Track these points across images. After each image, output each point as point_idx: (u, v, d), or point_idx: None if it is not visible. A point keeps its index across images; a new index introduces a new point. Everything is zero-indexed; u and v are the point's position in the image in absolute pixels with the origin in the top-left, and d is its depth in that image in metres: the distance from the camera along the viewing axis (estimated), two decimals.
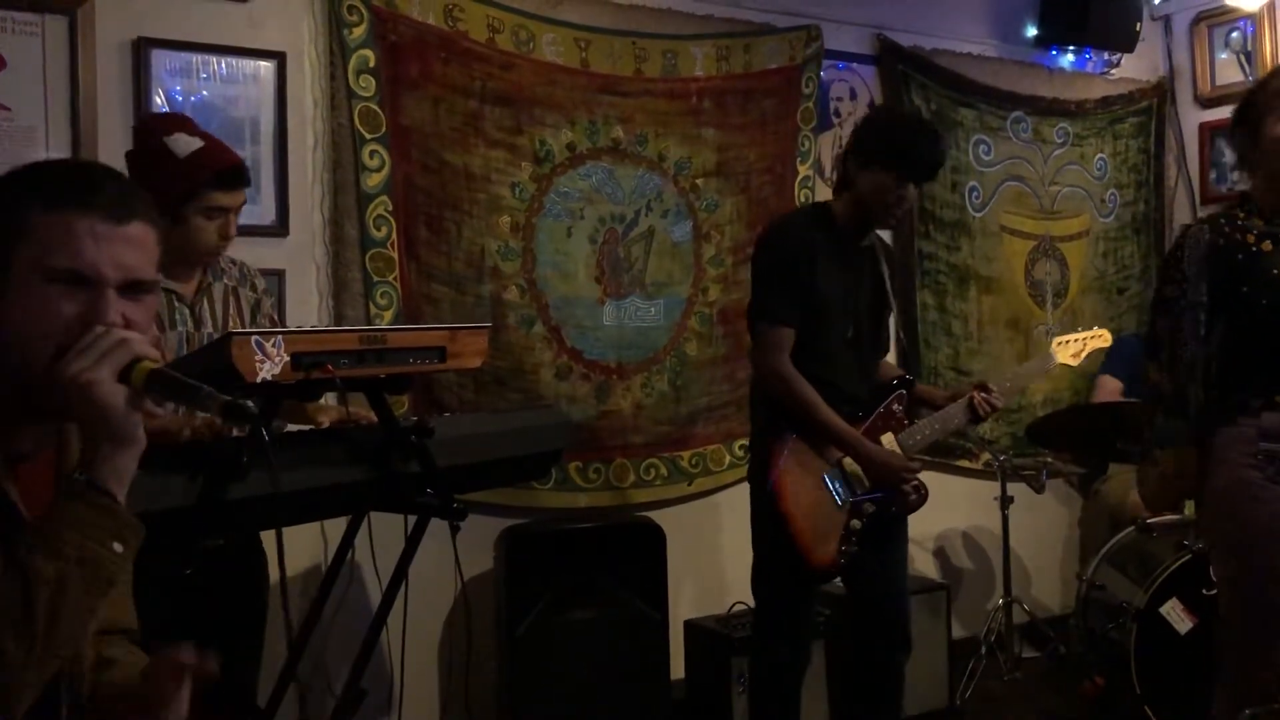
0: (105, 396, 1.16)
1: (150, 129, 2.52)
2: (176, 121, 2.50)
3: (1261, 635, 2.48)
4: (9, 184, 1.23)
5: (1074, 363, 3.28)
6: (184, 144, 2.39)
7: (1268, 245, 2.48)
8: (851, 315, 2.92)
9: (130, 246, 1.22)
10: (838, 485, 2.86)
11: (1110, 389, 4.31)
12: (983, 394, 2.98)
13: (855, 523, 2.84)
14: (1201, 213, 4.84)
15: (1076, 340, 3.26)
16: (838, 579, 2.98)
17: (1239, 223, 2.52)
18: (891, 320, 3.06)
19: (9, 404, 1.21)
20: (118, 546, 1.17)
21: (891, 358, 3.24)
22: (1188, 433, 2.55)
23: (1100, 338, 3.29)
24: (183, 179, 2.37)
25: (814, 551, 2.80)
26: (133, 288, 1.22)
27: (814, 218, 2.95)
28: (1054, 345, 3.27)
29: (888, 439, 2.92)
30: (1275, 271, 2.45)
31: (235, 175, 2.45)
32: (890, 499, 2.86)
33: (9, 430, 1.22)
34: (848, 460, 2.85)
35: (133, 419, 1.19)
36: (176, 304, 2.48)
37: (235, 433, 2.54)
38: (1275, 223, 2.49)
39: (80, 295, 1.19)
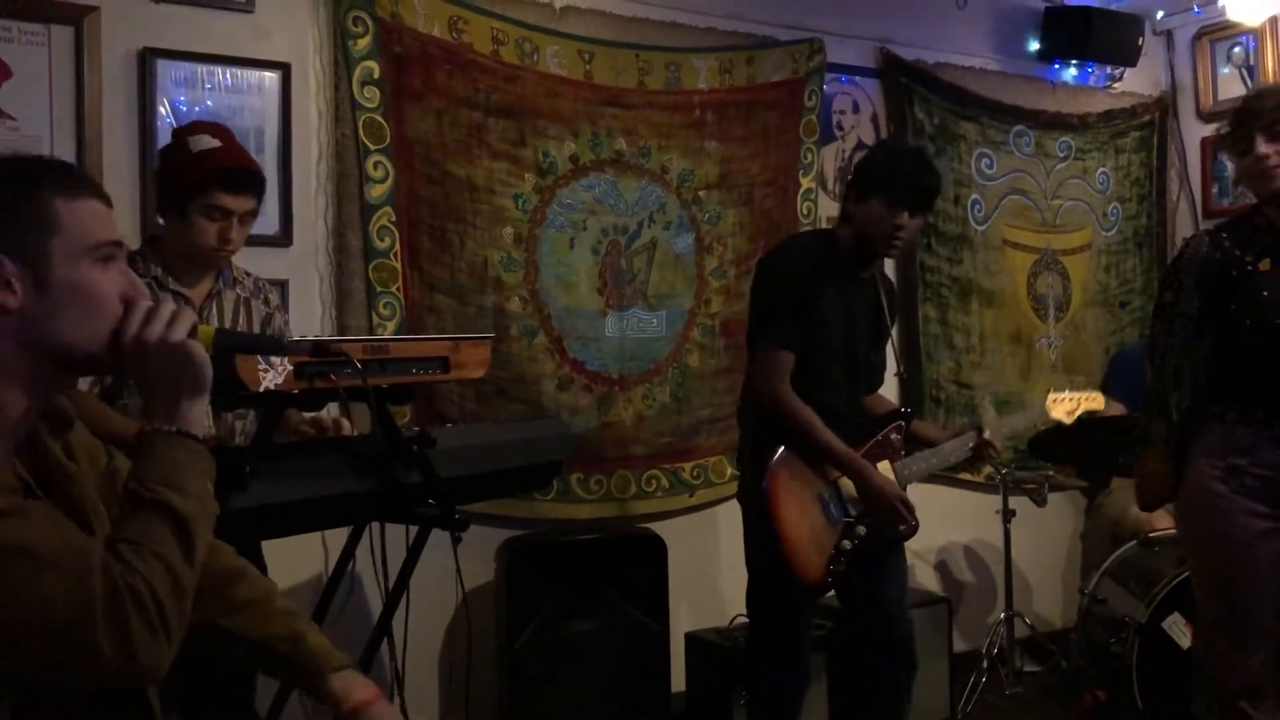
0: (198, 353, 1.30)
1: (181, 129, 2.58)
2: (207, 126, 2.55)
3: (1229, 641, 2.53)
4: (18, 182, 1.28)
5: (1068, 420, 3.37)
6: (203, 143, 2.43)
7: (1265, 264, 2.49)
8: (851, 344, 2.92)
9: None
10: (832, 504, 2.85)
11: (1113, 411, 4.31)
12: (987, 442, 3.06)
13: (846, 543, 2.83)
14: (1204, 226, 4.85)
15: (1071, 399, 3.37)
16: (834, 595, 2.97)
17: (1243, 236, 2.54)
18: (889, 353, 3.09)
19: (36, 383, 1.27)
20: (210, 486, 1.30)
21: (889, 369, 3.23)
22: (1164, 436, 2.61)
23: (1094, 399, 3.41)
24: (188, 172, 2.41)
25: (802, 567, 2.79)
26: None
27: (819, 243, 2.96)
28: (1049, 401, 3.37)
29: (884, 466, 2.91)
30: (1265, 293, 2.47)
31: (240, 178, 2.44)
32: (883, 524, 2.86)
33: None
34: (844, 480, 2.85)
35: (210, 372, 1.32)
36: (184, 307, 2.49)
37: (238, 439, 2.56)
38: None
39: (114, 271, 1.30)
